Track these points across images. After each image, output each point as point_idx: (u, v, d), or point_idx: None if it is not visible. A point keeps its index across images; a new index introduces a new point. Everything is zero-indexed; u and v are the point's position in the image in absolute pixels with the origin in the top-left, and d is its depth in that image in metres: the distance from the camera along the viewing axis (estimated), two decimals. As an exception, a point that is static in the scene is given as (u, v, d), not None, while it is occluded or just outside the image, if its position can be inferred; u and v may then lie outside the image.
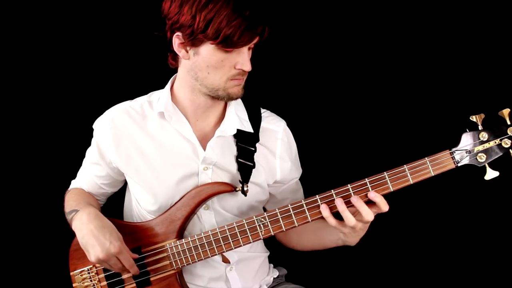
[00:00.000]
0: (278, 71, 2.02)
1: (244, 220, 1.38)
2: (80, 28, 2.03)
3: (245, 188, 1.43)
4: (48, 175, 2.07)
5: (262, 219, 1.37)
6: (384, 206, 1.27)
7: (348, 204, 1.29)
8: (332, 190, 1.33)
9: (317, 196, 1.34)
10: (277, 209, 1.36)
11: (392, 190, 1.30)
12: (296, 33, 2.00)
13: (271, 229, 1.37)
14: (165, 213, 1.46)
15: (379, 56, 1.97)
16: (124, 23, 1.99)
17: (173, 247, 1.43)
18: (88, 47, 2.04)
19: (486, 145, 1.29)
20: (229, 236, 1.39)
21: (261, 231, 1.38)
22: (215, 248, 1.40)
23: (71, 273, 1.51)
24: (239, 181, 1.45)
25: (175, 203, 1.45)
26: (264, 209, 1.63)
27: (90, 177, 1.61)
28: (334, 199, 1.31)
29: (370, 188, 1.30)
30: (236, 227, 1.39)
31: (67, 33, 2.03)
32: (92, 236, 1.36)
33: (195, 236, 1.42)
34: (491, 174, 1.29)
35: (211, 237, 1.40)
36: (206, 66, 1.34)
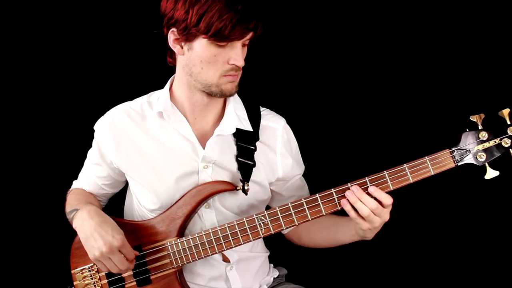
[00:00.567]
0: (277, 69, 2.03)
1: (244, 219, 1.39)
2: (80, 29, 2.03)
3: (246, 187, 1.44)
4: (50, 176, 2.07)
5: (262, 218, 1.38)
6: (387, 200, 1.28)
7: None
8: (332, 189, 1.34)
9: (317, 194, 1.35)
10: (277, 208, 1.37)
11: (392, 189, 1.31)
12: (296, 30, 2.00)
13: (271, 228, 1.37)
14: (166, 212, 1.47)
15: (379, 55, 1.97)
16: (124, 23, 2.00)
17: (174, 245, 1.43)
18: (89, 48, 2.05)
19: (486, 145, 1.29)
20: (229, 234, 1.40)
21: (261, 230, 1.38)
22: (215, 246, 1.41)
23: (72, 271, 1.52)
24: (240, 180, 1.46)
25: (176, 201, 1.46)
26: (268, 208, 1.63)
27: (91, 177, 1.61)
28: (334, 198, 1.33)
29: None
30: (236, 226, 1.39)
31: (68, 34, 2.04)
32: (94, 231, 1.37)
33: (196, 234, 1.42)
34: (491, 173, 1.30)
35: (212, 236, 1.41)
36: (200, 61, 1.35)
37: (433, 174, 1.30)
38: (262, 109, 1.58)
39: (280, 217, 1.36)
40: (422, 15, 1.92)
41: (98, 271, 1.49)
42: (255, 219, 1.38)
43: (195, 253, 1.42)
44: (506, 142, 1.28)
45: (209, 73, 1.36)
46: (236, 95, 1.50)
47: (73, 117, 2.06)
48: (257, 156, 1.49)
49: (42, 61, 2.06)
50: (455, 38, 1.90)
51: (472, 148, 1.29)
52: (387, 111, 1.98)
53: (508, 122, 1.28)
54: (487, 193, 1.86)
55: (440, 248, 2.02)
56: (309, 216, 1.35)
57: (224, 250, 1.42)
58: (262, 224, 1.38)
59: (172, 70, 1.50)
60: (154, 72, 1.69)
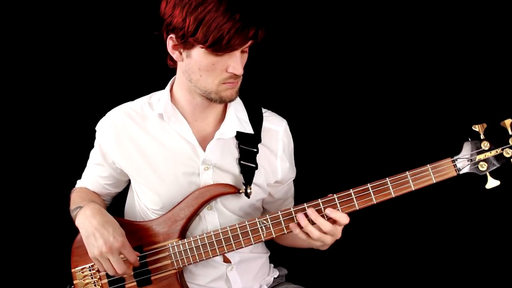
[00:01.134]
0: (279, 72, 2.03)
1: (246, 222, 1.39)
2: (82, 30, 2.03)
3: (249, 190, 1.44)
4: (52, 175, 2.08)
5: (264, 221, 1.38)
6: (343, 219, 1.29)
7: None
8: (335, 195, 1.35)
9: (319, 200, 1.35)
10: (279, 212, 1.37)
11: (393, 196, 1.32)
12: (297, 33, 2.00)
13: (272, 231, 1.38)
14: (168, 213, 1.47)
15: (382, 63, 1.98)
16: (125, 24, 2.00)
17: (175, 247, 1.44)
18: (90, 49, 2.05)
19: (488, 154, 1.30)
20: (231, 237, 1.40)
21: (263, 233, 1.39)
22: (216, 248, 1.41)
23: (72, 270, 1.51)
24: (242, 183, 1.46)
25: (179, 203, 1.46)
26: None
27: (94, 177, 1.62)
28: (336, 204, 1.33)
29: (372, 194, 1.32)
30: (238, 228, 1.40)
31: (70, 35, 2.04)
32: (95, 230, 1.37)
33: (197, 236, 1.42)
34: (492, 183, 1.31)
35: (213, 238, 1.41)
36: (198, 69, 1.33)
37: (434, 182, 1.31)
38: (264, 110, 1.57)
39: (282, 221, 1.37)
40: (425, 24, 1.93)
41: (98, 271, 1.49)
42: (257, 222, 1.39)
43: (196, 255, 1.43)
44: (507, 152, 1.29)
45: (207, 81, 1.34)
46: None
47: (77, 117, 2.06)
48: (258, 158, 1.49)
49: (45, 62, 2.06)
50: (459, 47, 1.91)
51: (474, 158, 1.30)
52: (391, 119, 1.99)
53: (510, 133, 1.29)
54: (488, 203, 1.87)
55: (440, 255, 2.03)
56: (311, 221, 1.35)
57: (225, 253, 1.43)
58: (264, 228, 1.39)
59: (172, 70, 1.49)
60: (155, 73, 1.69)
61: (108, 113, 1.55)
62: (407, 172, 1.31)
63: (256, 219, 1.39)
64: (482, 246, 1.98)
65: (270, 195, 1.60)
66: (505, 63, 1.87)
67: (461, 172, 1.31)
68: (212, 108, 1.47)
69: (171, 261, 1.44)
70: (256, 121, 1.52)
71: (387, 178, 1.32)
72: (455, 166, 1.30)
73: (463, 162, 1.31)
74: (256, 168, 1.47)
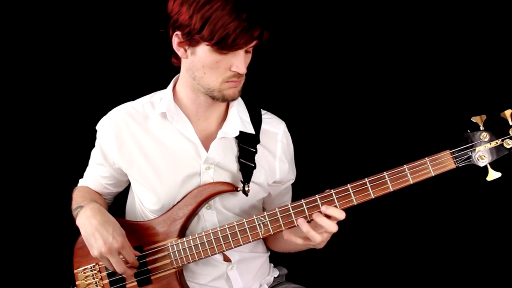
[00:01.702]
0: (278, 73, 2.03)
1: (244, 220, 1.39)
2: (84, 29, 2.05)
3: (246, 188, 1.44)
4: (53, 176, 2.10)
5: (262, 219, 1.38)
6: (339, 215, 1.28)
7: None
8: (332, 190, 1.33)
9: (317, 195, 1.34)
10: (277, 209, 1.36)
11: (392, 190, 1.30)
12: (296, 34, 2.00)
13: (270, 229, 1.37)
14: (167, 213, 1.47)
15: (379, 57, 1.97)
16: (127, 23, 2.02)
17: (174, 246, 1.44)
18: (92, 48, 2.07)
19: (488, 146, 1.28)
20: (229, 235, 1.40)
21: (261, 231, 1.38)
22: (215, 247, 1.41)
23: (75, 271, 1.53)
24: (241, 181, 1.46)
25: (177, 202, 1.46)
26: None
27: (95, 177, 1.63)
28: (334, 199, 1.32)
29: (370, 188, 1.30)
30: (236, 226, 1.39)
31: (71, 34, 2.06)
32: (95, 230, 1.37)
33: (196, 235, 1.42)
34: (493, 175, 1.28)
35: (212, 236, 1.41)
36: (202, 66, 1.34)
37: (433, 175, 1.28)
38: (263, 112, 1.58)
39: (280, 218, 1.36)
40: (422, 15, 1.92)
41: (100, 271, 1.50)
42: (255, 219, 1.38)
43: (195, 253, 1.42)
44: (508, 143, 1.26)
45: (211, 79, 1.35)
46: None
47: (79, 116, 2.07)
48: (257, 158, 1.49)
49: (46, 61, 2.09)
50: (456, 39, 1.89)
51: (474, 149, 1.28)
52: (388, 112, 1.98)
53: (510, 123, 1.26)
54: (488, 195, 1.84)
55: (440, 249, 2.01)
56: (308, 218, 1.34)
57: (224, 251, 1.42)
58: (261, 225, 1.38)
59: (174, 70, 1.50)
60: (157, 72, 1.70)
61: (109, 112, 1.56)
62: (405, 165, 1.29)
63: (254, 216, 1.38)
64: (483, 240, 1.96)
65: (268, 195, 1.60)
66: (503, 55, 1.84)
67: (460, 165, 1.28)
68: (215, 107, 1.47)
69: (170, 260, 1.45)
70: (256, 122, 1.53)
71: (384, 172, 1.30)
72: (454, 158, 1.28)
73: (462, 154, 1.28)
74: (255, 167, 1.47)
